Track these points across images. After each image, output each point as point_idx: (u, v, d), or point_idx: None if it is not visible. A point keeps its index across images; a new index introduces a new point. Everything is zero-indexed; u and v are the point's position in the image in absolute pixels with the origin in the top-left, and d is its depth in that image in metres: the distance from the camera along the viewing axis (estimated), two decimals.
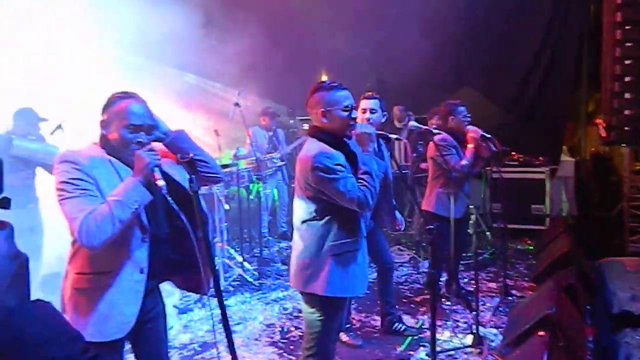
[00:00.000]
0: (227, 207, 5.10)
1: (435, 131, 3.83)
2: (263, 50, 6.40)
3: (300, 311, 4.32)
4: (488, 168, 5.13)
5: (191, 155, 1.83)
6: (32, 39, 4.51)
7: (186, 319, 4.23)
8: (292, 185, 6.48)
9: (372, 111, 3.31)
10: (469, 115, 4.13)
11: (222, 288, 4.76)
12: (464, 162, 3.92)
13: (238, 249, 5.45)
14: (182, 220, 1.82)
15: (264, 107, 6.48)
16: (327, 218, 2.32)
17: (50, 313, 0.79)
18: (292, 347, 3.71)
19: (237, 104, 5.12)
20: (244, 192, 5.57)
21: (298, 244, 2.41)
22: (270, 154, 6.03)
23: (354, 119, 2.36)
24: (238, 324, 4.10)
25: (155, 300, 2.16)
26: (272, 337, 3.87)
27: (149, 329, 2.11)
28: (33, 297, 2.48)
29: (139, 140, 1.88)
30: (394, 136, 2.44)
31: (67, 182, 1.78)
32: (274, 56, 6.75)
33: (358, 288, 2.44)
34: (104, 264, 1.88)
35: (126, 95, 1.93)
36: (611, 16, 5.77)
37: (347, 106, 2.31)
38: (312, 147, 2.31)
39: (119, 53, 5.06)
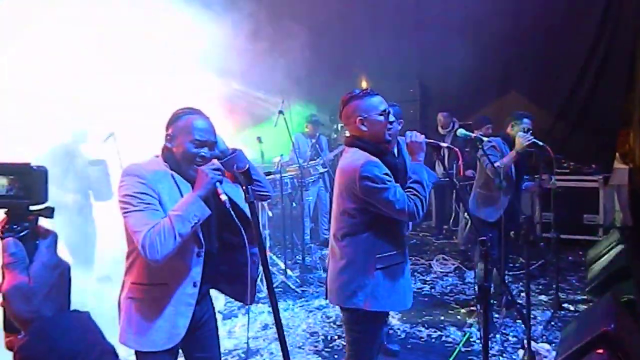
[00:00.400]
0: (270, 214, 5.14)
1: (485, 139, 3.74)
2: (307, 58, 6.43)
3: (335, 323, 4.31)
4: (538, 177, 4.97)
5: (247, 166, 1.83)
6: (83, 45, 4.65)
7: (230, 325, 4.26)
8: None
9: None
10: (531, 128, 4.06)
11: (264, 295, 4.80)
12: (498, 163, 3.83)
13: (281, 256, 5.47)
14: (242, 236, 1.88)
15: (309, 114, 6.50)
16: (372, 230, 2.27)
17: (86, 325, 0.79)
18: (336, 356, 3.68)
19: (281, 112, 5.16)
20: (287, 199, 5.60)
21: (339, 259, 2.34)
22: (313, 161, 6.04)
23: (392, 122, 2.31)
24: (276, 332, 4.10)
25: (206, 307, 2.19)
26: (315, 346, 3.85)
27: (199, 336, 2.14)
28: (84, 302, 2.56)
29: (203, 154, 1.93)
30: (445, 145, 2.39)
31: (132, 196, 1.83)
32: (316, 63, 6.78)
33: (406, 301, 2.38)
34: (161, 276, 1.92)
35: (192, 111, 1.98)
36: None
37: (383, 111, 2.28)
38: (356, 156, 2.25)
39: (167, 59, 5.17)
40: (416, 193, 2.21)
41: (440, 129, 6.72)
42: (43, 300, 0.76)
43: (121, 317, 1.99)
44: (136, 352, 1.99)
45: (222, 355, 3.68)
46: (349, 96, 2.34)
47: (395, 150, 3.20)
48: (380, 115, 2.27)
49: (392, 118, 2.32)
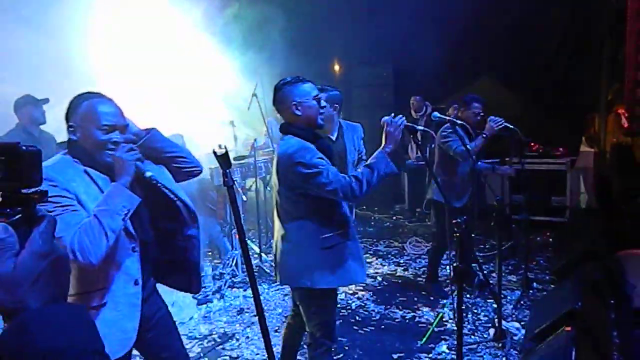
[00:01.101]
0: (244, 198, 5.10)
1: (459, 122, 3.78)
2: (280, 42, 6.36)
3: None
4: (509, 159, 5.07)
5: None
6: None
7: (205, 310, 4.25)
8: None
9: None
10: (482, 112, 4.14)
11: (241, 279, 4.79)
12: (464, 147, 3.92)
13: (255, 240, 5.46)
14: (182, 216, 1.82)
15: None
16: (314, 213, 2.36)
17: (75, 320, 0.74)
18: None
19: (254, 95, 5.09)
20: (261, 183, 5.56)
21: (286, 241, 2.43)
22: None
23: (324, 107, 2.40)
24: (256, 315, 4.10)
25: (156, 306, 2.04)
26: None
27: (156, 336, 2.02)
28: None
29: (115, 140, 1.76)
30: (421, 128, 2.40)
31: (47, 202, 1.65)
32: (290, 48, 6.70)
33: (354, 276, 2.49)
34: (95, 281, 1.77)
35: (92, 95, 1.79)
36: (635, 4, 5.65)
37: (315, 96, 2.35)
38: (290, 143, 2.31)
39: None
40: (360, 176, 2.25)
41: (413, 112, 6.76)
42: (29, 290, 0.71)
43: None
44: None
45: (198, 340, 3.70)
46: (281, 83, 2.38)
47: (335, 135, 3.25)
48: (313, 100, 2.34)
49: (323, 103, 2.40)
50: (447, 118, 3.37)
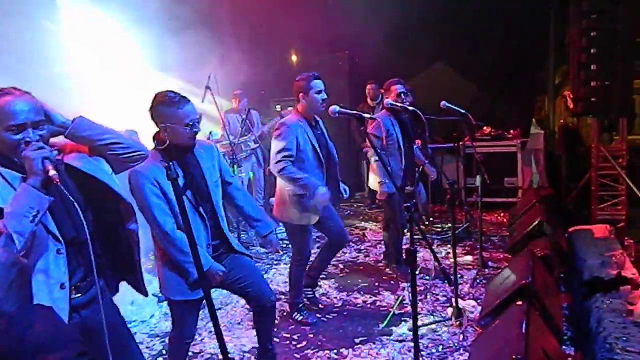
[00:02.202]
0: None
1: (411, 108, 3.85)
2: (234, 32, 6.27)
3: (281, 293, 4.35)
4: (462, 143, 5.19)
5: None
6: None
7: (166, 307, 4.18)
8: (267, 167, 6.47)
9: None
10: (406, 93, 4.21)
11: None
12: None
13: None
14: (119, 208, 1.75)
15: (233, 89, 6.36)
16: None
17: (49, 318, 0.77)
18: (275, 329, 3.71)
19: (208, 87, 5.01)
20: None
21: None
22: (244, 137, 5.95)
23: (196, 132, 2.39)
24: (219, 308, 4.09)
25: (99, 313, 1.79)
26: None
27: (95, 346, 1.82)
28: None
29: (27, 139, 1.67)
30: (367, 115, 2.43)
31: None
32: (245, 38, 6.62)
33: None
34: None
35: (2, 92, 1.70)
36: None
37: (189, 122, 2.33)
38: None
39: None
40: None
41: (369, 100, 6.81)
42: (3, 298, 0.72)
43: None
44: None
45: (159, 337, 3.65)
46: (158, 101, 2.38)
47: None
48: (186, 126, 2.33)
49: (197, 129, 2.39)
50: (399, 105, 3.42)
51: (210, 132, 5.19)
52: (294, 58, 8.59)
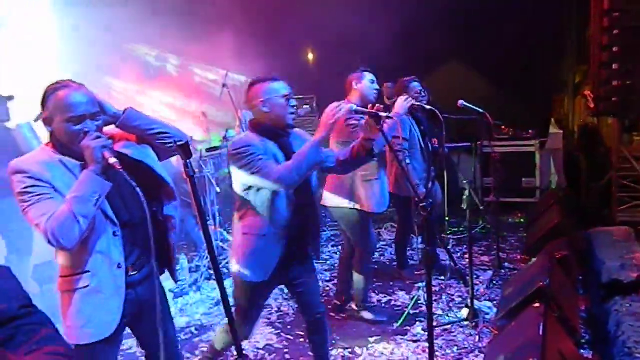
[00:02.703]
0: (218, 189, 5.07)
1: (428, 107, 3.82)
2: (249, 31, 6.30)
3: None
4: (479, 142, 5.15)
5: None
6: None
7: (182, 303, 4.23)
8: None
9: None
10: (424, 91, 4.12)
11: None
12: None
13: (230, 231, 5.43)
14: (162, 195, 1.85)
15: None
16: (245, 208, 2.45)
17: (5, 278, 0.81)
18: (289, 326, 3.74)
19: (224, 85, 5.04)
20: None
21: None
22: None
23: (294, 106, 2.42)
24: (233, 306, 4.11)
25: (149, 292, 2.00)
26: (269, 318, 3.89)
27: (147, 321, 2.04)
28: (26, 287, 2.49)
29: (86, 130, 1.79)
30: (384, 114, 2.40)
31: (24, 193, 1.73)
32: (260, 36, 6.65)
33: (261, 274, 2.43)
34: (81, 264, 1.84)
35: (60, 86, 1.82)
36: None
37: (285, 95, 2.37)
38: (239, 136, 2.43)
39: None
40: (290, 164, 2.29)
41: (386, 99, 6.78)
42: None
43: (61, 312, 1.91)
44: (75, 347, 1.92)
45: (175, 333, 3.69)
46: (253, 81, 2.43)
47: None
48: (282, 98, 2.37)
49: (293, 102, 2.41)
50: (416, 104, 3.40)
51: (227, 131, 5.21)
52: (310, 56, 8.60)
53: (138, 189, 1.68)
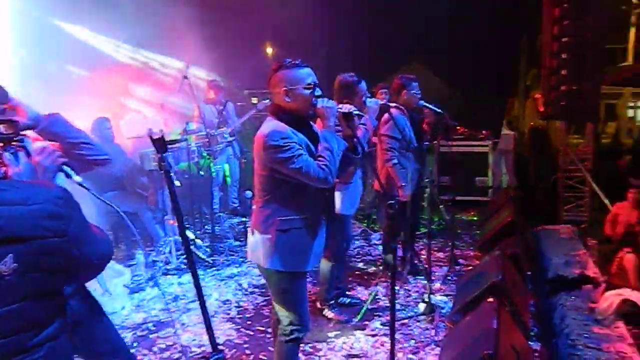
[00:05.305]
0: (177, 183, 4.97)
1: (392, 104, 3.89)
2: (210, 25, 6.20)
3: (255, 286, 4.36)
4: (436, 142, 5.29)
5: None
6: None
7: (138, 299, 4.14)
8: (244, 160, 6.44)
9: None
10: (419, 91, 4.13)
11: (174, 266, 4.70)
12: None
13: (190, 226, 5.36)
14: None
15: (210, 80, 6.29)
16: (276, 196, 2.34)
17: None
18: (249, 322, 3.73)
19: (185, 77, 4.94)
20: (194, 168, 5.45)
21: (253, 220, 2.45)
22: (221, 129, 5.90)
23: (317, 97, 2.34)
24: (192, 301, 4.07)
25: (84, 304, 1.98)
26: (228, 314, 3.87)
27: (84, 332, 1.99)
28: None
29: None
30: (357, 113, 2.44)
31: None
32: (221, 31, 6.55)
33: (305, 264, 2.42)
34: None
35: None
36: None
37: (309, 84, 2.29)
38: (268, 125, 2.30)
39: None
40: (326, 161, 2.25)
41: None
42: None
43: None
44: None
45: (131, 329, 3.62)
46: (278, 65, 2.32)
47: None
48: (306, 88, 2.29)
49: (318, 92, 2.34)
50: (381, 102, 3.43)
51: (187, 124, 5.12)
52: (269, 50, 8.55)
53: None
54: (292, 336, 2.48)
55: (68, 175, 1.63)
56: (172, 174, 4.76)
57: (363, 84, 3.41)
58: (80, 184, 1.63)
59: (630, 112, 10.04)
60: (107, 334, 2.10)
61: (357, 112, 2.39)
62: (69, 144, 1.87)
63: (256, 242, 2.41)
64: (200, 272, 4.65)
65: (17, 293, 1.11)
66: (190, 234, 5.16)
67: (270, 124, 2.29)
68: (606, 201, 6.19)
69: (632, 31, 10.78)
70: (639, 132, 9.31)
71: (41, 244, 1.15)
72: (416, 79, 4.15)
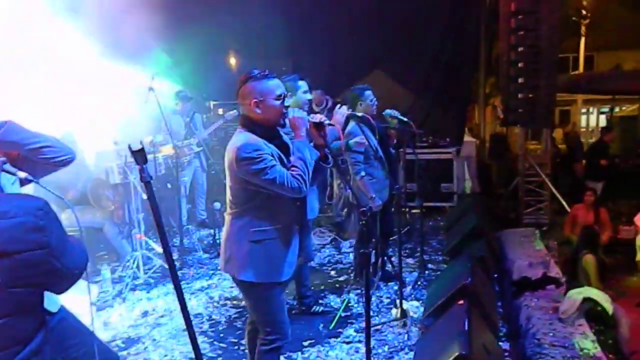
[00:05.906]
0: (144, 196, 4.89)
1: (360, 114, 3.96)
2: (175, 34, 6.14)
3: (227, 298, 4.32)
4: (401, 150, 5.39)
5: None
6: None
7: (105, 316, 4.03)
8: (212, 172, 6.38)
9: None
10: (376, 99, 4.16)
11: (142, 281, 4.60)
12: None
13: (157, 240, 5.26)
14: None
15: (177, 90, 6.22)
16: (249, 207, 2.35)
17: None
18: (221, 334, 3.69)
19: (151, 89, 4.87)
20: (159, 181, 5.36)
21: (225, 232, 2.45)
22: (188, 140, 5.84)
23: (287, 107, 2.36)
24: (162, 316, 3.99)
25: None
26: (200, 327, 3.81)
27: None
28: None
29: None
30: (327, 121, 2.47)
31: None
32: (185, 40, 6.51)
33: (278, 275, 2.41)
34: None
35: None
36: (506, 6, 6.27)
37: (279, 95, 2.31)
38: (239, 138, 2.30)
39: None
40: (299, 171, 2.27)
41: (314, 106, 6.89)
42: None
43: None
44: None
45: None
46: (247, 76, 2.33)
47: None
48: (276, 99, 2.31)
49: (287, 102, 2.37)
50: (350, 112, 3.48)
51: (154, 136, 5.04)
52: (232, 61, 8.52)
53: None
54: (273, 345, 2.48)
55: (11, 173, 1.57)
56: (137, 187, 4.67)
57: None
58: (28, 179, 1.57)
59: (584, 119, 10.54)
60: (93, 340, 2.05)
61: (328, 122, 2.42)
62: (29, 151, 1.80)
63: (230, 254, 2.41)
64: (169, 286, 4.57)
65: (1, 309, 1.08)
66: (157, 248, 5.07)
67: (242, 136, 2.29)
68: (565, 204, 6.46)
69: (583, 40, 11.36)
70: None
71: (24, 258, 1.13)
72: (369, 87, 4.18)
